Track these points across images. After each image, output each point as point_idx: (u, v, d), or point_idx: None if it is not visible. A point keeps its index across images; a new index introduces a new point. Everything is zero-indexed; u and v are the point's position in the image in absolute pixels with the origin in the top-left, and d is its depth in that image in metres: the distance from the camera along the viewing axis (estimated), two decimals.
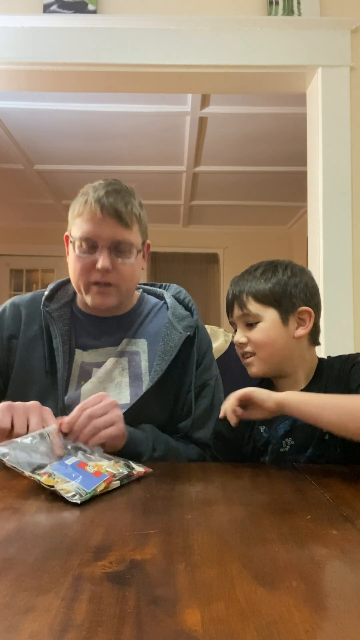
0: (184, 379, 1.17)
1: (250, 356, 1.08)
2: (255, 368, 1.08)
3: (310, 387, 1.07)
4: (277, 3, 2.18)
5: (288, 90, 2.42)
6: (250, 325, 1.08)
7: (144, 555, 0.56)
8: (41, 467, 0.81)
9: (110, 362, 1.16)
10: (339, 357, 1.12)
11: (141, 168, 4.22)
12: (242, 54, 2.18)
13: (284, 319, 1.07)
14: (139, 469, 0.87)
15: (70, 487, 0.76)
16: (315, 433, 1.03)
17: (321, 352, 1.21)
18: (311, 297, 1.10)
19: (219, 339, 1.57)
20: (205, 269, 6.23)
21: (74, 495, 0.74)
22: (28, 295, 1.26)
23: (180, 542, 0.61)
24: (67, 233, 1.19)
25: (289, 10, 2.18)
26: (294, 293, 1.09)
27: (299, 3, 2.18)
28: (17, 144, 3.79)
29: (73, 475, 0.79)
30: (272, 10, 2.18)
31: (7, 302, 1.25)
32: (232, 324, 1.14)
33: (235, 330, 1.13)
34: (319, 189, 2.20)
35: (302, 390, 1.08)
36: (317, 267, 2.21)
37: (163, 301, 1.27)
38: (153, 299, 1.28)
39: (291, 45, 2.18)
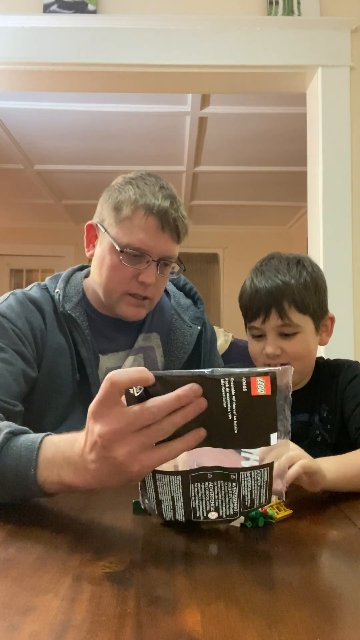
0: None
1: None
2: None
3: (305, 390, 1.06)
4: (277, 3, 2.18)
5: (288, 90, 2.42)
6: (286, 336, 0.98)
7: (144, 555, 0.56)
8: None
9: (128, 361, 1.11)
10: (336, 364, 1.09)
11: (141, 168, 4.21)
12: (242, 54, 2.17)
13: (317, 328, 1.02)
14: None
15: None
16: (309, 434, 1.02)
17: (321, 352, 1.20)
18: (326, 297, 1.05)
19: (219, 339, 1.57)
20: (205, 269, 6.22)
21: None
22: (35, 290, 1.11)
23: (180, 542, 0.61)
24: (94, 223, 1.08)
25: (289, 10, 2.17)
26: (324, 299, 1.03)
27: (299, 3, 2.18)
28: (17, 144, 3.79)
29: None
30: (272, 10, 2.18)
31: (19, 295, 1.07)
32: (253, 328, 1.01)
33: (257, 336, 1.01)
34: (319, 189, 2.20)
35: (297, 390, 1.06)
36: None
37: None
38: None
39: (291, 46, 2.18)
